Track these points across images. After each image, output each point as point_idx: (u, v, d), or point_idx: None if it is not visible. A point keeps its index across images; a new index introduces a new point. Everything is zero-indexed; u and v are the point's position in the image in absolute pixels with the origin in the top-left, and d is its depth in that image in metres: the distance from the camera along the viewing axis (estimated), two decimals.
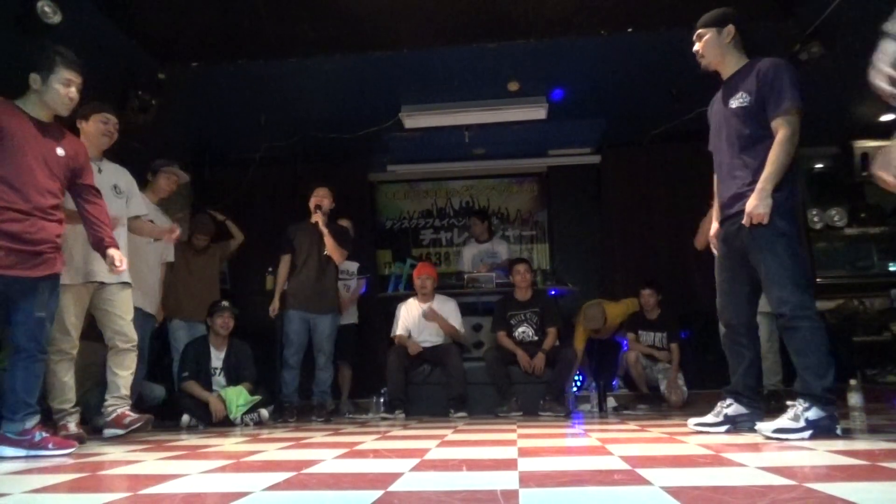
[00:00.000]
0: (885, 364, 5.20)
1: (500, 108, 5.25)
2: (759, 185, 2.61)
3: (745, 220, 2.64)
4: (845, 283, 5.99)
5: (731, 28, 2.83)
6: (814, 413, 2.49)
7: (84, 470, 2.11)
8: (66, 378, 3.15)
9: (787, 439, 2.45)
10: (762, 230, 2.64)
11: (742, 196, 2.71)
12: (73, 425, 3.11)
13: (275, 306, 4.76)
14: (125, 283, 3.37)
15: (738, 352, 2.90)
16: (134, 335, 3.37)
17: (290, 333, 4.67)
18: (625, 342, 5.43)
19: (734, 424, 2.83)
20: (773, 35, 4.20)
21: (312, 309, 4.72)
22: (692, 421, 2.96)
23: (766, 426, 2.56)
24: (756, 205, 2.60)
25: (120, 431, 3.18)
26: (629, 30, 4.24)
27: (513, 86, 5.04)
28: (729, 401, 2.88)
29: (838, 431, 2.51)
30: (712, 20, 2.87)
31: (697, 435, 2.76)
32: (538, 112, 5.28)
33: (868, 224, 6.12)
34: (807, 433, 2.46)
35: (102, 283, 3.28)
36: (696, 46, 2.91)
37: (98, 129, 3.33)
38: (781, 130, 2.62)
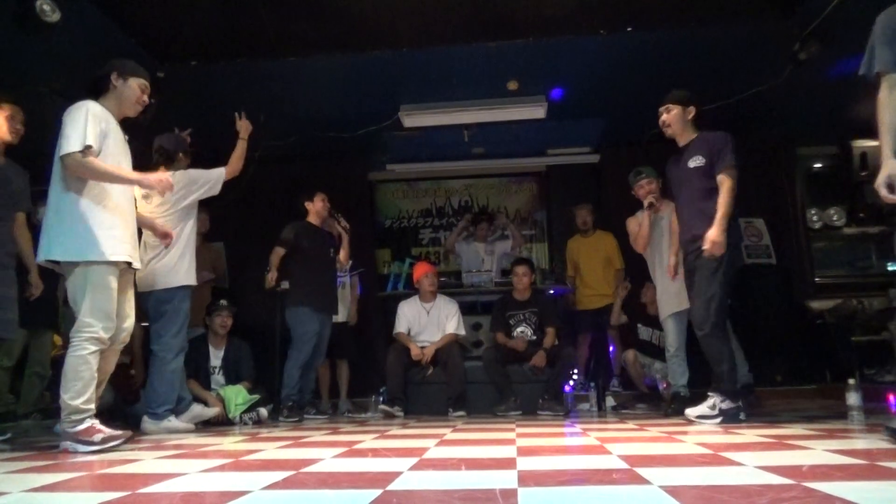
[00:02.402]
0: (883, 363, 5.20)
1: (499, 107, 5.25)
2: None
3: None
4: (844, 283, 6.00)
5: (692, 108, 3.59)
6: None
7: (82, 469, 2.11)
8: (96, 373, 2.74)
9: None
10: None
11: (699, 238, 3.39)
12: (102, 425, 2.69)
13: (273, 275, 4.61)
14: (135, 269, 3.00)
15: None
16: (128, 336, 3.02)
17: (311, 332, 4.57)
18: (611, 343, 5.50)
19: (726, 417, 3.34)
20: (772, 34, 4.20)
21: (325, 310, 4.72)
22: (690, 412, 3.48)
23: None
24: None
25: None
26: (629, 29, 4.24)
27: (512, 85, 5.04)
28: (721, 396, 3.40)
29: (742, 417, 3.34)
30: (678, 99, 3.60)
31: (699, 434, 2.77)
32: (537, 111, 5.28)
33: (867, 223, 6.12)
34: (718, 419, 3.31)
35: (129, 266, 2.90)
36: (668, 118, 3.64)
37: (136, 95, 2.98)
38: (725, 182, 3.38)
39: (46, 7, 3.37)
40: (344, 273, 5.36)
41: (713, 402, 3.36)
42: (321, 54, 4.48)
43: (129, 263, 2.90)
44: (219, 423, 4.10)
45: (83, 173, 2.73)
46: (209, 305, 4.54)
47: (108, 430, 2.68)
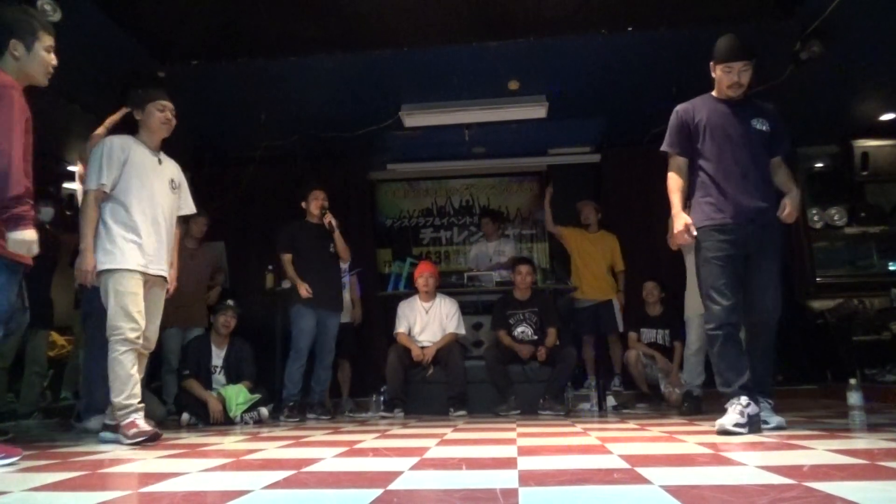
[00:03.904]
0: (884, 363, 5.20)
1: (500, 106, 5.24)
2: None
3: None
4: (845, 283, 6.00)
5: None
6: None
7: (84, 468, 2.11)
8: (133, 370, 2.93)
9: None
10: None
11: (767, 209, 2.98)
12: (141, 421, 2.89)
13: (306, 288, 4.57)
14: (165, 279, 3.19)
15: (740, 349, 2.90)
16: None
17: (305, 330, 4.58)
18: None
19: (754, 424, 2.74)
20: (773, 34, 4.20)
21: (325, 307, 4.71)
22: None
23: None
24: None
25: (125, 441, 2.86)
26: (629, 29, 4.24)
27: (513, 85, 5.04)
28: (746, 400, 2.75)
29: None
30: (753, 54, 3.04)
31: (700, 434, 2.77)
32: (538, 111, 5.27)
33: (868, 223, 6.12)
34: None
35: (159, 278, 3.12)
36: (746, 79, 3.05)
37: (156, 118, 3.14)
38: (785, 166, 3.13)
39: (47, 6, 3.37)
40: (343, 273, 5.36)
41: (739, 408, 2.70)
42: (322, 54, 4.48)
43: (162, 276, 3.12)
44: (220, 423, 4.10)
45: (84, 207, 3.04)
46: (215, 303, 4.55)
47: (141, 425, 2.87)
